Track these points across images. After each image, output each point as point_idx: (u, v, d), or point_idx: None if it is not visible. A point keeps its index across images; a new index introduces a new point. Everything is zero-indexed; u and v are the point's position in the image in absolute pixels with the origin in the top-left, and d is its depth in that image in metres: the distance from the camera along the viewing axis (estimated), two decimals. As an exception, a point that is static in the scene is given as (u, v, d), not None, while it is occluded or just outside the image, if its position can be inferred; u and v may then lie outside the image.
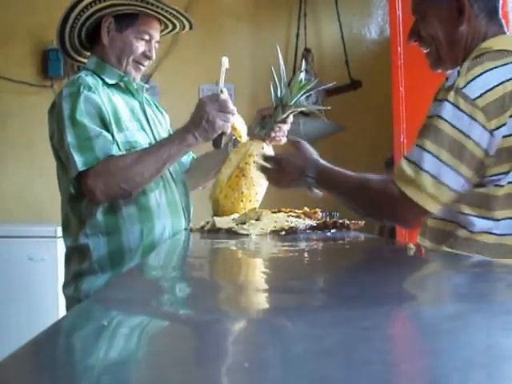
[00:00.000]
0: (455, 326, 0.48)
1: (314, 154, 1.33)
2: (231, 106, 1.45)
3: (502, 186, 1.12)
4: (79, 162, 1.39)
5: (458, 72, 1.14)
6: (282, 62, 1.53)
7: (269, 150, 1.54)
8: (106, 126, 1.45)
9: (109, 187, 1.40)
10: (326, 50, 3.29)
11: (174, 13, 1.59)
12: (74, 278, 1.51)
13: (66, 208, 1.52)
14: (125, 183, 1.41)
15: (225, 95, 1.46)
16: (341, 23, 3.21)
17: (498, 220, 1.13)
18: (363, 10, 3.31)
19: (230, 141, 1.70)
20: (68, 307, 1.56)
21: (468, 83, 1.10)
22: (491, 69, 1.11)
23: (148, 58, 1.58)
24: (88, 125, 1.42)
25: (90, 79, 1.49)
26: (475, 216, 1.14)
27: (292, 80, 1.53)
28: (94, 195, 1.41)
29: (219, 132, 1.45)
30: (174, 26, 1.67)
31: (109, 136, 1.43)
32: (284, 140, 1.58)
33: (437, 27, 1.25)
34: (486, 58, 1.14)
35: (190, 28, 1.68)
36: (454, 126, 1.10)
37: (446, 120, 1.11)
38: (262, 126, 1.55)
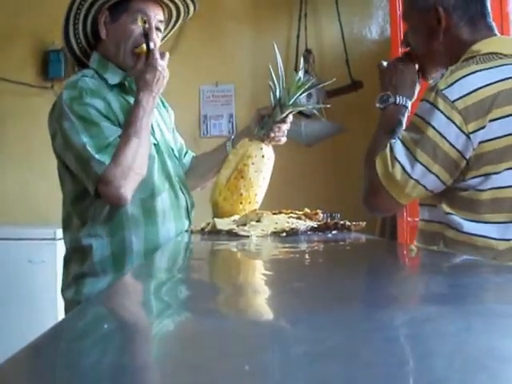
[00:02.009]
0: (457, 328, 0.48)
1: (412, 89, 1.35)
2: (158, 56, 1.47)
3: (483, 190, 1.13)
4: (103, 158, 1.37)
5: (442, 75, 1.16)
6: (280, 62, 1.51)
7: (268, 151, 1.54)
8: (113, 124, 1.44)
9: (133, 181, 1.40)
10: (327, 50, 3.29)
11: None
12: (74, 280, 1.49)
13: (68, 207, 1.51)
14: (140, 169, 1.42)
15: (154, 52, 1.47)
16: (341, 24, 3.20)
17: (486, 223, 1.14)
18: (364, 10, 3.31)
19: (228, 140, 1.69)
20: (67, 310, 1.54)
21: (449, 85, 1.12)
22: (474, 72, 1.12)
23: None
24: (102, 128, 1.40)
25: (91, 82, 1.46)
26: (462, 218, 1.15)
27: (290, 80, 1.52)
28: (121, 197, 1.39)
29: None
30: (178, 11, 1.62)
31: (118, 130, 1.42)
32: (284, 140, 1.57)
33: (417, 37, 1.28)
34: (471, 62, 1.15)
35: (194, 9, 1.63)
36: (431, 126, 1.13)
37: (423, 119, 1.14)
38: (260, 126, 1.54)
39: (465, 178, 1.15)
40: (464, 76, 1.12)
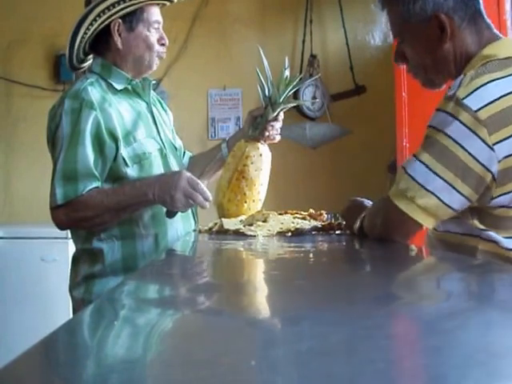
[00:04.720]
0: (456, 325, 0.49)
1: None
2: (200, 200, 1.42)
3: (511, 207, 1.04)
4: (59, 193, 1.41)
5: (460, 82, 1.06)
6: (265, 62, 1.54)
7: (264, 149, 1.55)
8: (101, 146, 1.45)
9: (70, 222, 1.46)
10: (332, 55, 3.30)
11: None
12: (84, 280, 1.51)
13: None
14: (84, 222, 1.45)
15: (204, 187, 1.44)
16: (346, 30, 3.22)
17: None
18: (367, 16, 3.32)
19: (223, 142, 1.71)
20: (76, 309, 1.55)
21: (469, 94, 1.02)
22: (494, 80, 1.03)
23: (164, 44, 1.56)
24: (80, 155, 1.42)
25: (95, 91, 1.47)
26: (498, 235, 1.06)
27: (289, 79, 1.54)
28: (57, 225, 1.48)
29: (174, 209, 1.45)
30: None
31: (92, 168, 1.44)
32: (278, 138, 1.59)
33: (420, 50, 1.16)
34: (490, 68, 1.06)
35: None
36: (450, 137, 1.03)
37: (440, 130, 1.04)
38: (254, 126, 1.56)
39: (493, 196, 1.04)
40: (486, 83, 1.03)
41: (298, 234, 1.33)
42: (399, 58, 1.21)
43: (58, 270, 2.65)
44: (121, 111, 1.50)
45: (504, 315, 0.54)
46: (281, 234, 1.32)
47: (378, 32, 3.31)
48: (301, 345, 0.43)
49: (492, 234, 1.06)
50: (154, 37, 1.53)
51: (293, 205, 1.79)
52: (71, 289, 1.55)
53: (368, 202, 1.30)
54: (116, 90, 1.53)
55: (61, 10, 3.18)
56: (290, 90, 1.51)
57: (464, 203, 1.05)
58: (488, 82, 1.03)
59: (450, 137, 1.03)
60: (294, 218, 1.44)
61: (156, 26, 1.54)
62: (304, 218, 1.45)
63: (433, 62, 1.17)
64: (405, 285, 0.75)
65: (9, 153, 3.33)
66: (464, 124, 1.01)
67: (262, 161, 1.53)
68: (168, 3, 1.60)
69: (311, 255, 1.12)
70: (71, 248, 2.67)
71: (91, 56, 1.60)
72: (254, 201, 1.53)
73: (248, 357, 0.41)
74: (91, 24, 1.49)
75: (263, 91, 1.52)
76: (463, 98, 1.02)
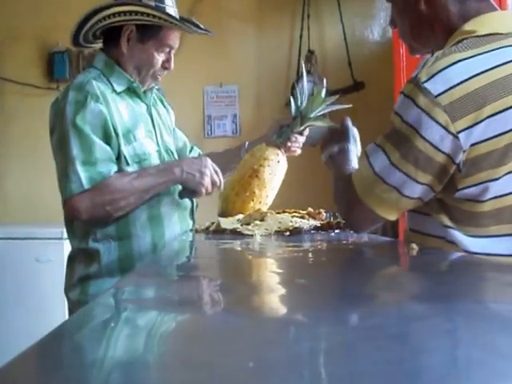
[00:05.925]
0: (457, 325, 0.49)
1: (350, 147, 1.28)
2: (219, 186, 1.52)
3: (483, 201, 0.97)
4: (84, 178, 1.40)
5: (425, 62, 0.99)
6: (304, 75, 1.56)
7: (283, 158, 1.57)
8: (108, 139, 1.45)
9: (95, 207, 1.42)
10: (330, 51, 3.30)
11: (195, 29, 1.58)
12: (79, 281, 1.51)
13: None
14: (110, 205, 1.43)
15: (221, 176, 1.53)
16: (344, 25, 3.21)
17: (491, 237, 0.99)
18: (366, 11, 3.32)
19: (243, 146, 1.72)
20: (72, 310, 1.55)
21: (431, 77, 0.94)
22: (461, 60, 0.95)
23: (166, 68, 1.57)
24: (92, 142, 1.41)
25: (98, 86, 1.47)
26: (465, 234, 1.00)
27: (312, 93, 1.55)
28: (78, 213, 1.43)
29: (198, 188, 1.48)
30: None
31: (110, 152, 1.43)
32: (299, 151, 1.62)
33: (399, 13, 1.12)
34: (461, 47, 0.97)
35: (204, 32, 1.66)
36: (410, 125, 0.96)
37: (401, 117, 0.98)
38: (278, 134, 1.59)
39: (458, 188, 0.97)
40: (450, 65, 0.94)
41: (296, 233, 1.32)
42: (392, 22, 1.17)
43: (53, 271, 2.67)
44: (121, 109, 1.51)
45: (503, 315, 0.54)
46: (279, 233, 1.32)
47: (377, 27, 3.31)
48: (300, 345, 0.43)
49: (457, 233, 1.00)
50: (159, 58, 1.54)
51: (291, 203, 1.78)
52: (67, 290, 1.55)
53: (354, 136, 1.34)
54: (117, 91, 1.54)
55: (54, 7, 3.18)
56: (324, 108, 1.53)
57: (427, 192, 1.00)
58: (453, 64, 0.94)
59: (409, 124, 0.96)
60: (293, 216, 1.44)
61: (167, 49, 1.54)
62: (303, 217, 1.46)
63: (409, 27, 1.11)
64: (405, 284, 0.75)
65: (1, 151, 3.33)
66: (422, 109, 0.94)
67: (278, 167, 1.56)
68: (189, 31, 1.61)
69: (310, 255, 1.12)
70: (66, 248, 2.68)
71: (98, 41, 1.61)
72: (260, 202, 1.55)
73: (247, 358, 0.40)
74: (108, 17, 1.49)
75: (296, 102, 1.54)
76: (424, 82, 0.94)
